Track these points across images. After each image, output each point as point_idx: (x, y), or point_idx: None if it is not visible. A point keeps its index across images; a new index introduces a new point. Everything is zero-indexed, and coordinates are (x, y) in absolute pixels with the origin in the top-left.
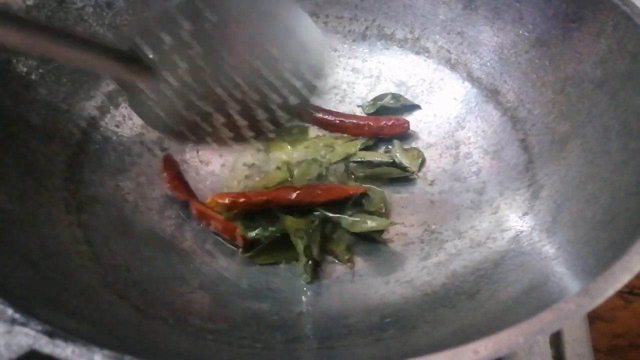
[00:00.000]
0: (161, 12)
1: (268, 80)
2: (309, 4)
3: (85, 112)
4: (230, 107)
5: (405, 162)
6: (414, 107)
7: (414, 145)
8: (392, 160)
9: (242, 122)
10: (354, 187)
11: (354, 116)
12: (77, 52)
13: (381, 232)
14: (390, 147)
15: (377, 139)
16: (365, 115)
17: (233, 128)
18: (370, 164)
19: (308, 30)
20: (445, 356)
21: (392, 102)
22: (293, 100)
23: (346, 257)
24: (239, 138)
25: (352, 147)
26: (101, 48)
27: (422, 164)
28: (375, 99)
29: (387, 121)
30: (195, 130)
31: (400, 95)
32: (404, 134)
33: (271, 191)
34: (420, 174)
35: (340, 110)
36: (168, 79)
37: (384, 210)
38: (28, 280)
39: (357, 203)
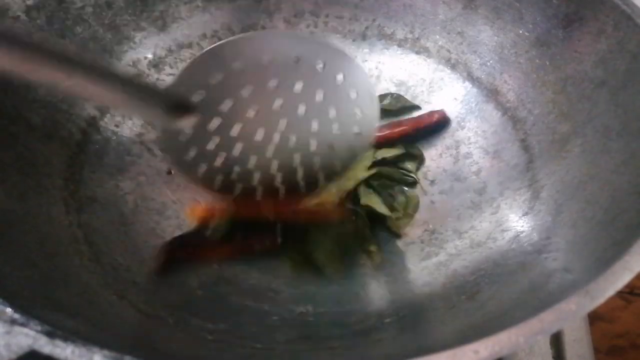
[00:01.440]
0: (211, 51)
1: (314, 139)
2: (308, 3)
3: (85, 112)
4: (268, 165)
5: (405, 162)
6: (413, 108)
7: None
8: (404, 151)
9: (274, 186)
10: (336, 212)
11: (385, 127)
12: (117, 92)
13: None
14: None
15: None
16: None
17: (264, 189)
18: (383, 161)
19: (362, 84)
20: (445, 356)
21: (392, 102)
22: (336, 163)
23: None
24: (247, 194)
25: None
26: (142, 88)
27: (421, 164)
28: None
29: (427, 116)
30: (223, 182)
31: (400, 96)
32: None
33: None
34: (420, 174)
35: None
36: (208, 125)
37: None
38: (28, 280)
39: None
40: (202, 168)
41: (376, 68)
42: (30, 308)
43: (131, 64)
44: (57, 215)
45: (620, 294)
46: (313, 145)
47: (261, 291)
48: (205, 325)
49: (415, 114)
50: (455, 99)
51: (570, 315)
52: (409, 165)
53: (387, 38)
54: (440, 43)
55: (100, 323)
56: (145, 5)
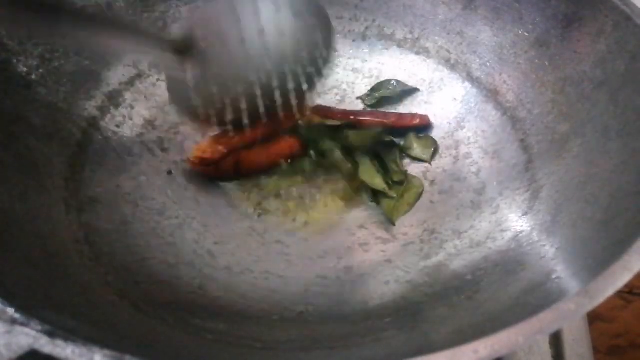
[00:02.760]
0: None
1: (290, 65)
2: None
3: (85, 112)
4: (255, 95)
5: (419, 150)
6: (413, 91)
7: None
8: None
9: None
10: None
11: (369, 113)
12: (126, 40)
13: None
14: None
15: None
16: (369, 109)
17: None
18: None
19: (318, 11)
20: (445, 356)
21: (392, 89)
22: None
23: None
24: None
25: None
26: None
27: (435, 152)
28: (373, 90)
29: (410, 117)
30: (219, 118)
31: (399, 82)
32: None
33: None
34: (419, 173)
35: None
36: (209, 67)
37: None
38: (28, 280)
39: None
40: (201, 111)
41: (376, 68)
42: (31, 308)
43: (132, 64)
44: (58, 215)
45: (619, 293)
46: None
47: (261, 291)
48: (205, 325)
49: (417, 96)
50: (455, 99)
51: (570, 315)
52: (424, 155)
53: (387, 38)
54: (440, 43)
55: (101, 323)
56: (145, 5)
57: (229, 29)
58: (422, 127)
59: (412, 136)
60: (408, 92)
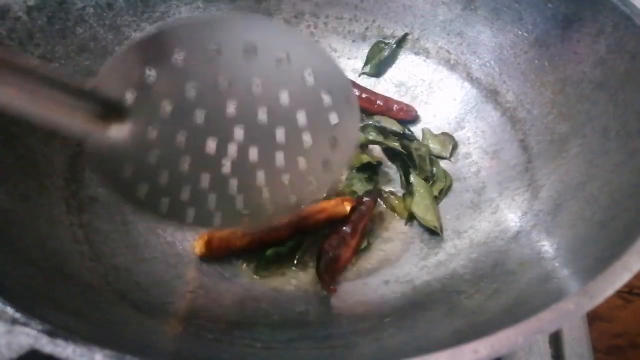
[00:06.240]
0: (142, 42)
1: (281, 152)
2: (309, 4)
3: None
4: (225, 184)
5: (437, 148)
6: (404, 38)
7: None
8: (402, 132)
9: (213, 202)
10: (343, 201)
11: (367, 90)
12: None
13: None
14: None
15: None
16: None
17: (200, 204)
18: (383, 130)
19: (337, 85)
20: (445, 356)
21: (384, 47)
22: (292, 198)
23: None
24: (203, 220)
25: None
26: (58, 86)
27: (455, 148)
28: (368, 60)
29: (396, 105)
30: (171, 206)
31: (385, 37)
32: (412, 120)
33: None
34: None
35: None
36: (145, 134)
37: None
38: (28, 280)
39: None
40: (143, 189)
41: None
42: (31, 308)
43: None
44: (58, 215)
45: (619, 293)
46: (279, 159)
47: (261, 291)
48: (205, 325)
49: (417, 96)
50: (455, 99)
51: (569, 315)
52: (444, 152)
53: (387, 38)
54: (439, 44)
55: (101, 323)
56: (146, 6)
57: (196, 69)
58: (407, 120)
59: (427, 133)
60: (400, 42)
